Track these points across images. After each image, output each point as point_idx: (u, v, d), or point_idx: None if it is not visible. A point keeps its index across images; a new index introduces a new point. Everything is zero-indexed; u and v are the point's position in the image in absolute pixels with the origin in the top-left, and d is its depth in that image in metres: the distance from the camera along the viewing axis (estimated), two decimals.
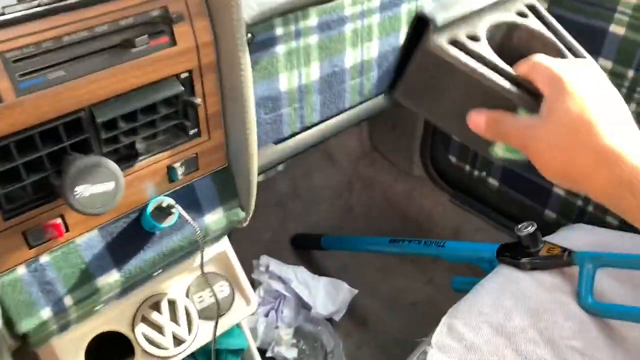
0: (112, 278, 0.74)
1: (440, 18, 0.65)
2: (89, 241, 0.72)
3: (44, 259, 0.68)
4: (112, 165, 0.62)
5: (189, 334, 0.87)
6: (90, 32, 0.61)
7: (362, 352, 1.39)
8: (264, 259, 1.41)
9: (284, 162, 1.03)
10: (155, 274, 0.83)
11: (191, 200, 0.80)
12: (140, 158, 0.71)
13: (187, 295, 0.89)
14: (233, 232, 0.93)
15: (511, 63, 0.67)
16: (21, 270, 0.67)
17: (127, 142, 0.69)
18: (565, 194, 1.34)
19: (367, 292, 1.45)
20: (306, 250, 1.62)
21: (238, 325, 1.02)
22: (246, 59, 0.73)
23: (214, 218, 0.84)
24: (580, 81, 0.56)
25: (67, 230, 0.69)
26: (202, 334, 0.89)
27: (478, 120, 0.61)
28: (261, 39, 0.80)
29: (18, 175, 0.61)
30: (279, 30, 0.82)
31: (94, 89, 0.62)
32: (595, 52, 1.17)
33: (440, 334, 0.90)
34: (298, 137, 0.97)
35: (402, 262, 1.54)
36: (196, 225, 0.76)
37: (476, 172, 1.52)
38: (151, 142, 0.72)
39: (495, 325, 0.90)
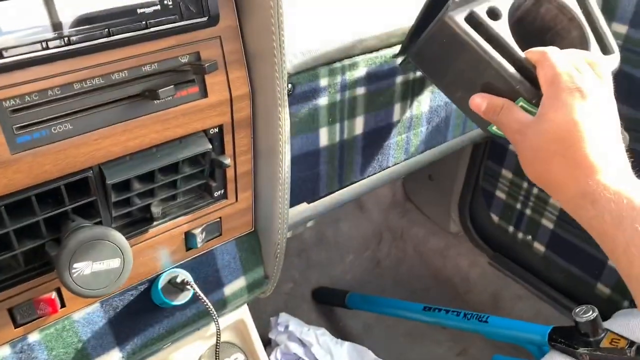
0: (112, 358, 0.64)
1: None
2: (88, 317, 0.61)
3: (34, 337, 0.58)
4: (119, 238, 0.52)
5: None
6: (106, 79, 0.51)
7: None
8: (283, 317, 1.29)
9: (314, 219, 0.93)
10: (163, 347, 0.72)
11: (210, 270, 0.69)
12: (155, 223, 0.61)
13: None
14: None
15: (534, 31, 0.71)
16: (4, 351, 0.56)
17: (141, 205, 0.59)
18: None
19: None
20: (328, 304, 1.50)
21: None
22: (285, 114, 0.63)
23: (235, 289, 0.73)
24: (579, 92, 0.57)
25: (63, 305, 0.58)
26: None
27: (479, 103, 0.64)
28: (302, 89, 0.70)
29: (9, 242, 0.51)
30: (323, 81, 0.72)
31: (105, 145, 0.53)
32: None
33: None
34: (333, 195, 0.86)
35: (433, 326, 1.40)
36: (213, 310, 0.64)
37: (520, 235, 1.39)
38: (169, 204, 0.62)
39: None
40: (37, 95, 0.48)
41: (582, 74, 0.59)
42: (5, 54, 0.44)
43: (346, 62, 0.73)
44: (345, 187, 0.85)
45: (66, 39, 0.46)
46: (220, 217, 0.66)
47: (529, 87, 0.62)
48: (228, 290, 0.72)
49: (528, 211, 1.36)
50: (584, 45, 0.69)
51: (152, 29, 0.50)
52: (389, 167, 0.90)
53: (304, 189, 0.79)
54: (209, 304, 0.63)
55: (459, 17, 0.65)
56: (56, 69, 0.48)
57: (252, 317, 0.84)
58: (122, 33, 0.49)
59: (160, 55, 0.53)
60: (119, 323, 0.63)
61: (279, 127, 0.63)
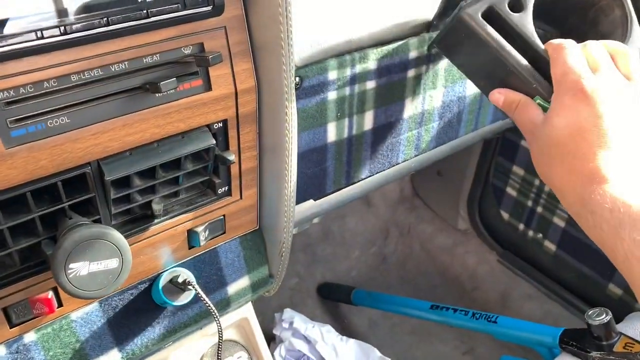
0: (111, 359, 0.62)
1: None
2: (86, 316, 0.59)
3: (30, 337, 0.56)
4: (118, 238, 0.50)
5: None
6: (104, 71, 0.48)
7: None
8: (288, 313, 1.27)
9: (321, 215, 0.90)
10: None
11: (213, 269, 0.67)
12: (156, 221, 0.59)
13: None
14: None
15: (575, 6, 0.68)
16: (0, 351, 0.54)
17: (141, 201, 0.56)
18: None
19: (399, 359, 1.30)
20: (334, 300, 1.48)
21: None
22: (293, 109, 0.60)
23: (239, 288, 0.71)
24: (583, 94, 0.55)
25: (60, 305, 0.56)
26: None
27: (498, 98, 0.64)
28: (310, 83, 0.67)
29: (3, 240, 0.49)
30: (332, 74, 0.69)
31: (104, 140, 0.50)
32: None
33: None
34: (340, 192, 0.84)
35: (440, 324, 1.38)
36: (215, 311, 0.62)
37: (531, 233, 1.36)
38: (171, 201, 0.60)
39: None
40: (32, 87, 0.45)
41: (597, 72, 0.57)
42: None
43: (356, 54, 0.70)
44: (352, 184, 0.83)
45: (62, 28, 0.44)
46: (224, 215, 0.64)
47: (546, 86, 0.61)
48: (231, 289, 0.70)
49: (539, 209, 1.33)
50: (625, 25, 0.67)
51: (153, 19, 0.48)
52: (399, 163, 0.87)
53: (311, 185, 0.77)
54: (211, 305, 0.61)
55: (476, 13, 0.63)
56: (52, 59, 0.45)
57: (257, 313, 0.82)
58: (121, 22, 0.46)
59: (162, 46, 0.51)
60: (119, 323, 0.61)
61: (286, 123, 0.60)
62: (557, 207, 1.29)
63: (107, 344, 0.61)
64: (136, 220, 0.58)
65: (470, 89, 0.86)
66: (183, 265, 0.64)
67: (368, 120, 0.77)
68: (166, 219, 0.60)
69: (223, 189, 0.62)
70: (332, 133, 0.74)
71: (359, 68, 0.71)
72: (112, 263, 0.50)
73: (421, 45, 0.76)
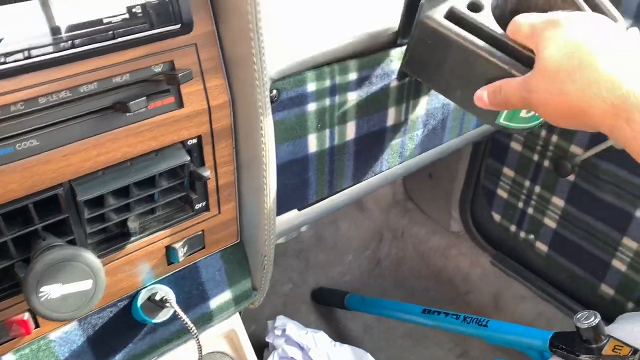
0: None
1: None
2: (65, 336, 0.59)
3: (8, 358, 0.56)
4: (90, 259, 0.49)
5: None
6: (73, 92, 0.48)
7: None
8: (281, 320, 1.27)
9: (307, 224, 0.90)
10: None
11: (194, 284, 0.67)
12: (133, 239, 0.59)
13: None
14: None
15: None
16: None
17: (117, 220, 0.56)
18: (627, 268, 1.18)
19: None
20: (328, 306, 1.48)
21: None
22: (268, 123, 0.60)
23: (221, 302, 0.71)
24: (557, 23, 0.55)
25: (37, 326, 0.56)
26: None
27: (481, 95, 0.62)
28: (288, 95, 0.67)
29: None
30: (310, 86, 0.69)
31: (75, 161, 0.50)
32: None
33: None
34: (324, 201, 0.83)
35: (434, 328, 1.38)
36: (194, 328, 0.62)
37: (522, 234, 1.36)
38: (148, 218, 0.60)
39: None
40: (0, 111, 0.45)
41: (557, 13, 0.57)
42: None
43: (335, 66, 0.70)
44: (336, 193, 0.83)
45: (26, 52, 0.44)
46: (202, 230, 0.64)
47: (520, 66, 0.60)
48: (213, 303, 0.70)
49: (530, 210, 1.33)
50: None
51: (121, 39, 0.48)
52: (383, 171, 0.87)
53: (293, 196, 0.77)
54: (189, 322, 0.61)
55: (438, 15, 0.65)
56: (18, 83, 0.45)
57: (250, 320, 0.82)
58: (87, 44, 0.46)
59: (131, 65, 0.50)
60: (98, 341, 0.61)
61: (262, 137, 0.60)
62: (548, 208, 1.28)
63: None
64: (112, 239, 0.58)
65: None
66: (163, 281, 0.64)
67: (350, 131, 0.77)
68: (143, 236, 0.60)
69: (201, 204, 0.62)
70: (313, 144, 0.74)
71: (339, 79, 0.71)
72: (86, 285, 0.49)
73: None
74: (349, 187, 0.84)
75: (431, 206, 1.57)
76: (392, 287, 1.53)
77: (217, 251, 0.68)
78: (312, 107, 0.71)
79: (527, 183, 1.31)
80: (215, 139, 0.59)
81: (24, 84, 0.46)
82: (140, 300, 0.60)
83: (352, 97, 0.74)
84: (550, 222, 1.30)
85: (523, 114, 0.65)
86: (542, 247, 1.34)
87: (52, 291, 0.48)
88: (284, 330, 1.25)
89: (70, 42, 0.45)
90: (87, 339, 0.60)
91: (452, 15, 0.65)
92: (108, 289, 0.54)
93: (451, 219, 1.51)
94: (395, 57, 0.75)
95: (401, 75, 0.76)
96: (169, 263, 0.63)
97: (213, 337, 0.78)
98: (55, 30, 0.45)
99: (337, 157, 0.78)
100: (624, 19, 1.03)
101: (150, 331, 0.65)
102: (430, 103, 0.84)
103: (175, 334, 0.67)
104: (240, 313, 0.81)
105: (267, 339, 1.27)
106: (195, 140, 0.58)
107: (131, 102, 0.49)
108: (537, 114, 0.65)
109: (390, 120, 0.80)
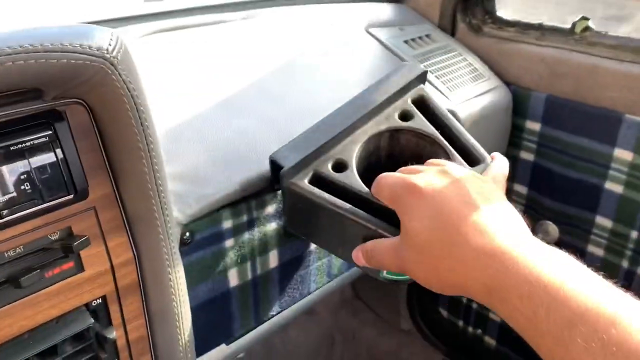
0: None
1: (289, 161, 0.65)
2: None
3: None
4: None
5: None
6: None
7: None
8: None
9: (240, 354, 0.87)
10: None
11: None
12: None
13: None
14: None
15: (404, 158, 0.70)
16: None
17: None
18: None
19: None
20: None
21: None
22: (178, 273, 0.59)
23: None
24: (420, 190, 0.53)
25: None
26: None
27: (357, 256, 0.61)
28: (203, 235, 0.67)
29: None
30: (227, 223, 0.69)
31: None
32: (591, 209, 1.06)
33: None
34: (253, 332, 0.81)
35: None
36: None
37: (470, 329, 1.36)
38: None
39: None
40: None
41: (418, 173, 0.55)
42: None
43: (252, 202, 0.71)
44: (263, 322, 0.81)
45: None
46: None
47: (387, 226, 0.59)
48: None
49: (474, 305, 1.34)
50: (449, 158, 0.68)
51: (8, 218, 0.47)
52: (311, 292, 0.86)
53: (217, 332, 0.75)
54: None
55: (302, 181, 0.65)
56: None
57: None
58: None
59: (24, 238, 0.50)
60: None
61: (172, 289, 0.59)
62: None
63: None
64: None
65: None
66: None
67: (273, 259, 0.77)
68: None
69: None
70: (233, 278, 0.73)
71: (256, 213, 0.72)
72: None
73: None
74: (277, 314, 0.83)
75: (380, 305, 1.56)
76: None
77: None
78: (230, 242, 0.70)
79: None
80: (122, 296, 0.57)
81: None
82: None
83: (272, 227, 0.74)
84: (495, 317, 1.30)
85: None
86: (490, 341, 1.33)
87: None
88: None
89: None
90: None
91: (317, 178, 0.66)
92: None
93: (400, 317, 1.49)
94: None
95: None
96: None
97: None
98: None
99: (262, 287, 0.77)
100: (532, 121, 1.09)
101: None
102: None
103: None
104: None
105: None
106: (99, 301, 0.56)
107: (23, 279, 0.48)
108: None
109: (313, 245, 0.81)
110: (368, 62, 1.00)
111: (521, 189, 1.16)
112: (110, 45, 0.47)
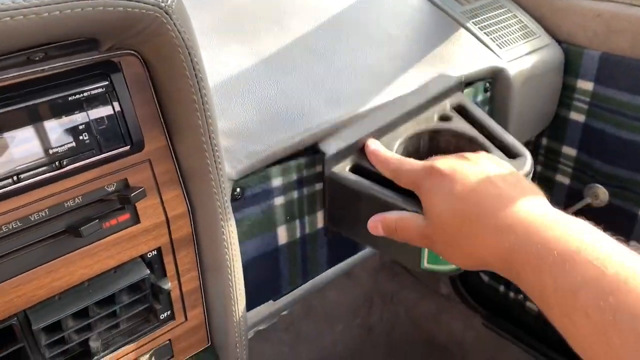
0: None
1: (332, 148, 0.68)
2: None
3: None
4: None
5: None
6: (23, 221, 0.48)
7: None
8: None
9: (285, 311, 0.88)
10: None
11: None
12: (96, 358, 0.57)
13: None
14: None
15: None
16: None
17: (78, 340, 0.55)
18: None
19: None
20: None
21: None
22: (230, 227, 0.60)
23: None
24: (439, 165, 0.55)
25: None
26: None
27: (375, 224, 0.62)
28: (253, 192, 0.67)
29: None
30: (276, 181, 0.69)
31: (28, 290, 0.49)
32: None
33: None
34: (299, 288, 0.82)
35: None
36: None
37: (512, 294, 1.34)
38: (111, 333, 0.58)
39: None
40: None
41: (440, 159, 0.57)
42: None
43: (302, 159, 0.70)
44: (310, 279, 0.82)
45: None
46: (169, 340, 0.62)
47: (414, 202, 0.61)
48: None
49: None
50: (476, 146, 0.71)
51: (68, 168, 0.48)
52: (357, 253, 0.86)
53: (265, 289, 0.75)
54: None
55: (343, 170, 0.69)
56: None
57: None
58: (33, 178, 0.46)
59: (83, 188, 0.50)
60: None
61: (225, 242, 0.59)
62: None
63: None
64: (75, 359, 0.56)
65: None
66: None
67: (321, 219, 0.76)
68: (107, 353, 0.58)
69: (165, 313, 0.61)
70: (283, 236, 0.73)
71: (306, 172, 0.71)
72: None
73: None
74: (324, 271, 0.83)
75: None
76: (385, 355, 1.49)
77: (187, 358, 0.66)
78: (279, 200, 0.70)
79: None
80: (176, 249, 0.58)
81: None
82: None
83: (320, 187, 0.73)
84: None
85: None
86: (532, 306, 1.32)
87: None
88: None
89: (15, 177, 0.45)
90: None
91: (357, 169, 0.69)
92: None
93: (440, 281, 1.49)
94: None
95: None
96: None
97: None
98: None
99: (310, 246, 0.77)
100: (584, 80, 1.05)
101: None
102: None
103: None
104: None
105: None
106: (155, 252, 0.57)
107: (83, 228, 0.48)
108: None
109: None
110: (414, 18, 0.97)
111: (570, 151, 1.12)
112: None
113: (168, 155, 0.55)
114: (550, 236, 0.45)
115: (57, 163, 0.47)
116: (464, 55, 0.92)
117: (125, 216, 0.53)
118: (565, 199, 1.16)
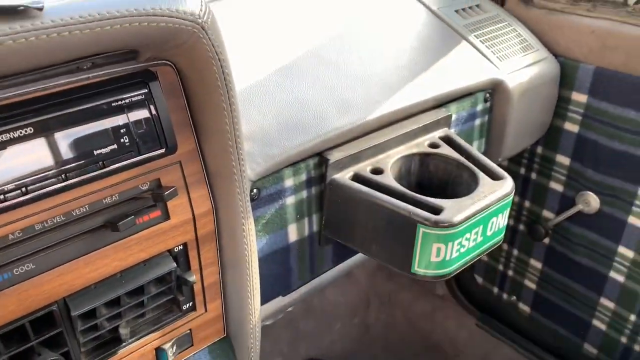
0: None
1: (335, 156, 0.75)
2: None
3: None
4: None
5: None
6: (66, 216, 0.52)
7: None
8: None
9: (293, 306, 0.93)
10: None
11: None
12: (124, 344, 0.61)
13: None
14: None
15: (432, 186, 0.82)
16: None
17: (109, 327, 0.59)
18: (607, 328, 1.21)
19: None
20: None
21: None
22: (249, 225, 0.64)
23: None
24: None
25: None
26: None
27: None
28: (268, 192, 0.72)
29: None
30: (288, 182, 0.73)
31: (69, 279, 0.53)
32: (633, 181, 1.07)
33: None
34: (308, 284, 0.87)
35: None
36: None
37: (505, 296, 1.40)
38: (138, 322, 0.63)
39: None
40: None
41: None
42: None
43: (310, 161, 0.75)
44: (318, 275, 0.86)
45: (24, 188, 0.48)
46: (190, 329, 0.67)
47: (420, 211, 0.68)
48: None
49: (510, 272, 1.37)
50: (475, 179, 0.78)
51: (109, 168, 0.52)
52: (357, 252, 0.90)
53: (276, 284, 0.80)
54: None
55: (343, 177, 0.75)
56: (16, 215, 0.49)
57: None
58: (78, 177, 0.50)
59: (120, 187, 0.55)
60: None
61: (244, 239, 0.64)
62: (527, 270, 1.32)
63: None
64: (105, 344, 0.61)
65: None
66: None
67: None
68: (134, 340, 0.62)
69: (188, 304, 0.65)
70: (293, 234, 0.78)
71: (314, 172, 0.76)
72: None
73: None
74: (330, 269, 0.87)
75: None
76: (382, 353, 1.54)
77: (205, 347, 0.70)
78: (290, 200, 0.75)
79: (505, 246, 1.35)
80: (200, 244, 0.63)
81: (21, 214, 0.49)
82: None
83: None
84: (530, 284, 1.33)
85: (433, 257, 0.71)
86: (524, 308, 1.37)
87: None
88: None
89: (63, 175, 0.49)
90: None
91: (357, 178, 0.76)
92: None
93: (436, 282, 1.54)
94: None
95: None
96: None
97: None
98: (49, 167, 0.49)
99: (317, 244, 0.82)
100: (579, 93, 1.10)
101: None
102: None
103: None
104: None
105: None
106: (181, 247, 0.61)
107: (120, 223, 0.53)
108: (447, 259, 0.70)
109: None
110: (419, 30, 1.02)
111: (564, 160, 1.17)
112: (201, 10, 0.51)
113: (197, 157, 0.60)
114: None
115: (100, 163, 0.51)
116: (466, 66, 0.97)
117: (156, 213, 0.58)
118: (557, 205, 1.21)
